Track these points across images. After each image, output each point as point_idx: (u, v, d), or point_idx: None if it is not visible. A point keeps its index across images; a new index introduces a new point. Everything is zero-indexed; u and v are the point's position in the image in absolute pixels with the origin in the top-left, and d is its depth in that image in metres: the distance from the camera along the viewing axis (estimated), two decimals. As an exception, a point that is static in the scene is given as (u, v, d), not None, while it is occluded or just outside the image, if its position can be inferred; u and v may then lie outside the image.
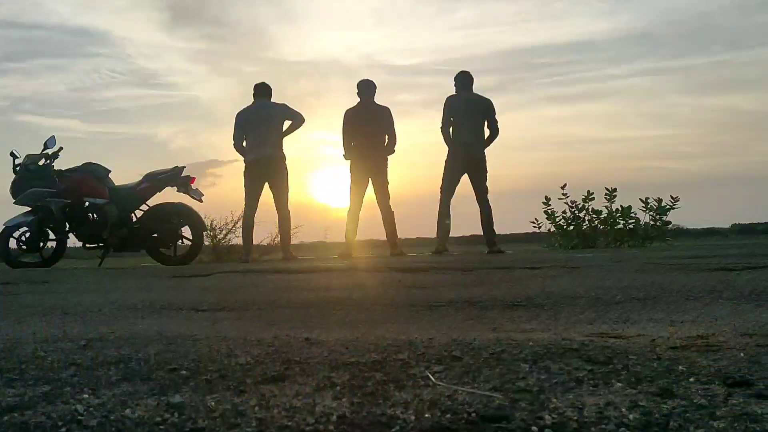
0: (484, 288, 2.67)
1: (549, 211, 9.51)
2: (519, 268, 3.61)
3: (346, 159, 7.36)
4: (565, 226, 9.30)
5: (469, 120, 7.30)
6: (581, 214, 9.28)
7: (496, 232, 7.34)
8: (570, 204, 9.32)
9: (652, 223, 9.16)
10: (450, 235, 7.63)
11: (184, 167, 6.87)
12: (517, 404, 1.00)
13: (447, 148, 7.40)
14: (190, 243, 6.95)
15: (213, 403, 1.04)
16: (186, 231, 7.02)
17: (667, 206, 9.10)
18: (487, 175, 7.40)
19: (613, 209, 9.22)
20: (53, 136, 6.94)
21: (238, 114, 7.15)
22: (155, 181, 6.85)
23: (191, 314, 2.18)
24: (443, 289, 2.68)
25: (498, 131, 7.39)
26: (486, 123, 7.36)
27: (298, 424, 0.93)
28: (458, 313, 2.12)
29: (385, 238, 7.52)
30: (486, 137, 7.37)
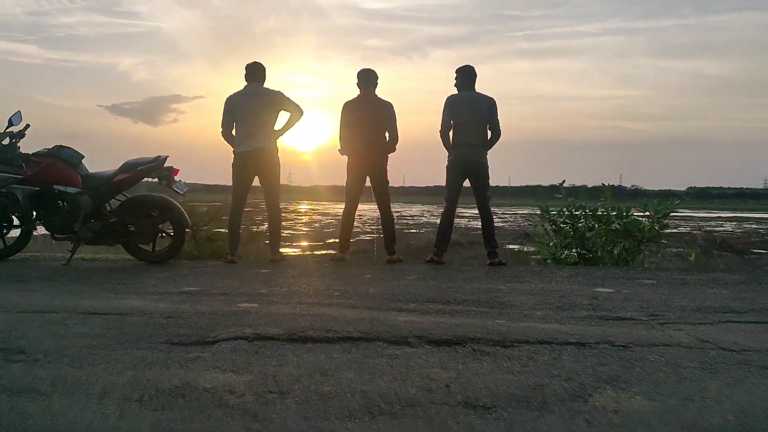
0: (550, 421, 2.29)
1: (545, 206, 9.18)
2: (562, 345, 3.24)
3: (342, 155, 6.85)
4: (561, 224, 8.96)
5: (472, 123, 6.82)
6: (578, 213, 8.98)
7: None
8: (568, 202, 9.00)
9: (649, 226, 8.90)
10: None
11: (166, 157, 6.26)
12: None
13: (447, 153, 6.94)
14: (171, 238, 6.41)
15: None
16: (166, 225, 6.47)
17: (668, 210, 8.84)
18: (489, 182, 7.00)
19: (609, 208, 8.94)
20: (19, 112, 6.23)
21: (227, 99, 6.53)
22: (134, 171, 6.23)
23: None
24: (506, 416, 2.29)
25: (500, 134, 6.94)
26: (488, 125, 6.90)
27: None
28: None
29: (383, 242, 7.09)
30: (488, 138, 6.94)
